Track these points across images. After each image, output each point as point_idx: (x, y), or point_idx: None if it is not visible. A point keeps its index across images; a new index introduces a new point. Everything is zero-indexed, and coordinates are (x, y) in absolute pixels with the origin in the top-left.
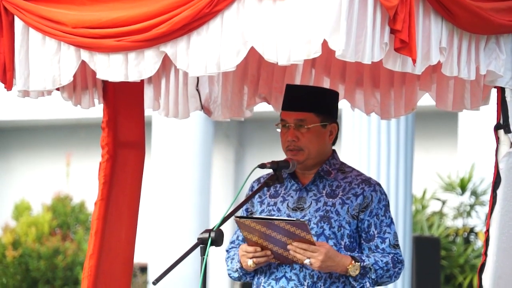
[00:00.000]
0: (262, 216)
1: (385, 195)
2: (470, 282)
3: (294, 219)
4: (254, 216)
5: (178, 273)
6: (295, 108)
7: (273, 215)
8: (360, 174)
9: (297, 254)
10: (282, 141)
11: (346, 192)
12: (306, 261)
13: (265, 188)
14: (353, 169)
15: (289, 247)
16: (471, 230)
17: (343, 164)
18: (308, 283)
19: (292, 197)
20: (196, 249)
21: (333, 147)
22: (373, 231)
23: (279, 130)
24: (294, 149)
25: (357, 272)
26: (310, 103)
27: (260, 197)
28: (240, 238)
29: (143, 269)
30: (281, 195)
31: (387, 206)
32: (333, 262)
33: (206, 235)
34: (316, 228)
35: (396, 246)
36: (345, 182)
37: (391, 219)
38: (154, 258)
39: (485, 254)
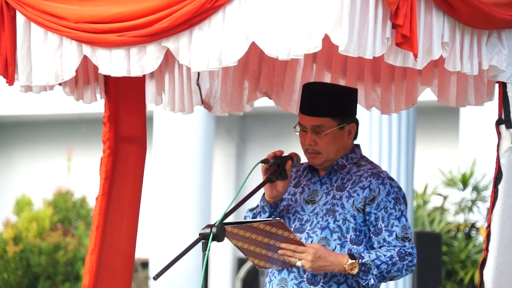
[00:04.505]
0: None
1: (397, 188)
2: (472, 278)
3: (271, 219)
4: (234, 221)
5: (179, 268)
6: (311, 113)
7: (291, 205)
8: (373, 167)
9: (289, 258)
10: (301, 142)
11: (354, 185)
12: (298, 263)
13: (293, 176)
14: (370, 163)
15: (279, 251)
16: (473, 226)
17: (362, 158)
18: (307, 275)
19: (309, 188)
20: (197, 245)
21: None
22: (380, 225)
23: (297, 133)
24: (312, 153)
25: (356, 269)
26: (326, 108)
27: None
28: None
29: (145, 264)
30: (302, 185)
31: (397, 199)
32: (326, 262)
33: (208, 230)
34: (321, 222)
35: (404, 239)
36: (356, 176)
37: (402, 212)
38: (155, 254)
39: (487, 249)
